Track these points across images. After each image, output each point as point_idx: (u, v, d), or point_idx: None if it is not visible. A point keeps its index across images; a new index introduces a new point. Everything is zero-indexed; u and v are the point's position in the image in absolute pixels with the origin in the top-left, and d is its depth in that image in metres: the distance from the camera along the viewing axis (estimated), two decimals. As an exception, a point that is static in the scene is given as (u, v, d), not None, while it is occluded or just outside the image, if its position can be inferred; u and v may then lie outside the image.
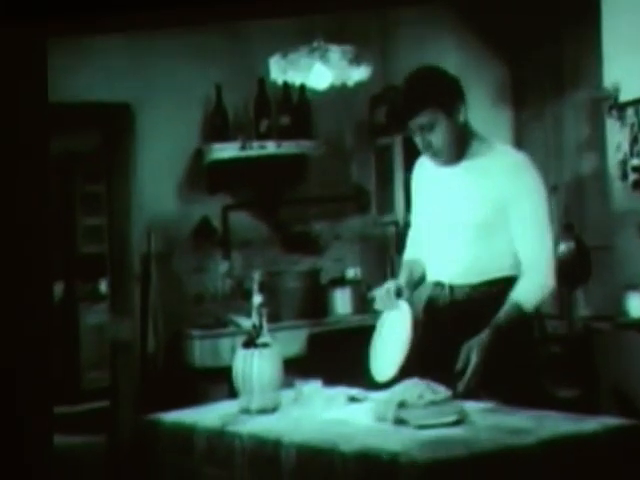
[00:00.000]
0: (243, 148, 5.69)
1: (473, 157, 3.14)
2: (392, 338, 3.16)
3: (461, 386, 2.88)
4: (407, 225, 5.59)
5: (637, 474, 2.61)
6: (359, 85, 4.98)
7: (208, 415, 3.06)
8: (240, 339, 3.22)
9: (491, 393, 2.97)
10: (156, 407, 3.61)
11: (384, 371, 3.12)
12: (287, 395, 3.10)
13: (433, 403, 2.74)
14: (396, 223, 5.97)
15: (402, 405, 2.74)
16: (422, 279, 3.29)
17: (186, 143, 5.72)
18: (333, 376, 3.26)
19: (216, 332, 5.50)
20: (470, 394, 2.89)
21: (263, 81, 5.65)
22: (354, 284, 5.92)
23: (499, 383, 3.02)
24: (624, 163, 4.91)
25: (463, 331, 3.01)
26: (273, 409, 3.03)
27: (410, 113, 3.08)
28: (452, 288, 3.17)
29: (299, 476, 2.63)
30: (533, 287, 3.07)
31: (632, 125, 4.86)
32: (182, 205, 5.72)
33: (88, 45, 5.26)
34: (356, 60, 4.82)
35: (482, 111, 5.33)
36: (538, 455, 2.47)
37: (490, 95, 6.16)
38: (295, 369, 3.42)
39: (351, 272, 5.98)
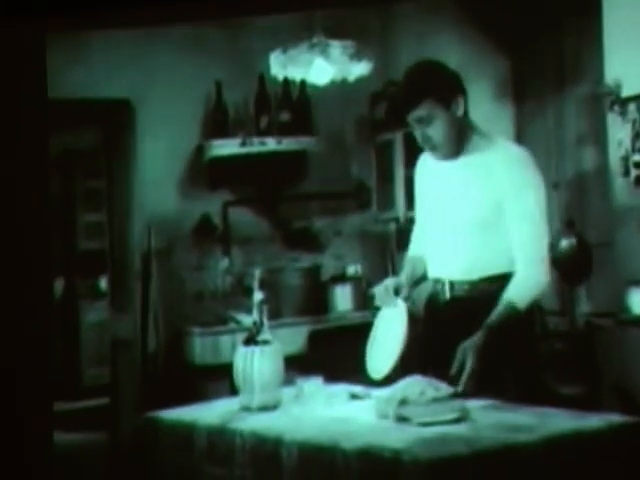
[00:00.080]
0: (243, 144, 5.68)
1: (473, 152, 3.13)
2: (388, 336, 3.16)
3: (459, 389, 2.87)
4: (408, 222, 5.65)
5: (640, 472, 2.60)
6: (359, 81, 4.96)
7: (208, 413, 3.05)
8: (241, 336, 3.22)
9: (493, 390, 2.96)
10: (156, 404, 3.60)
11: (379, 368, 3.13)
12: (288, 393, 3.08)
13: (435, 400, 2.73)
14: (397, 219, 5.96)
15: (404, 402, 2.73)
16: (424, 276, 3.29)
17: (186, 140, 5.71)
18: (334, 373, 3.26)
19: (216, 329, 5.49)
20: (470, 394, 2.88)
21: (263, 77, 5.64)
22: (355, 281, 5.91)
23: (501, 380, 3.02)
24: (626, 159, 4.89)
25: (463, 328, 3.00)
26: (274, 407, 3.02)
27: (408, 106, 3.07)
28: (452, 285, 3.16)
29: (300, 474, 2.62)
30: (526, 285, 3.06)
31: (634, 121, 4.85)
32: (182, 202, 5.71)
33: (88, 41, 5.25)
34: (357, 55, 4.81)
35: (483, 106, 5.32)
36: (541, 453, 2.46)
37: (491, 90, 6.14)
38: (296, 366, 3.41)
39: (352, 269, 5.98)
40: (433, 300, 3.24)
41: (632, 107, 4.86)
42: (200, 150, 5.73)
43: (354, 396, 3.09)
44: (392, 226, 6.07)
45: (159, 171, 5.61)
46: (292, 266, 5.88)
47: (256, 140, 5.71)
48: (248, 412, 2.99)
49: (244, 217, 5.88)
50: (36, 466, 3.51)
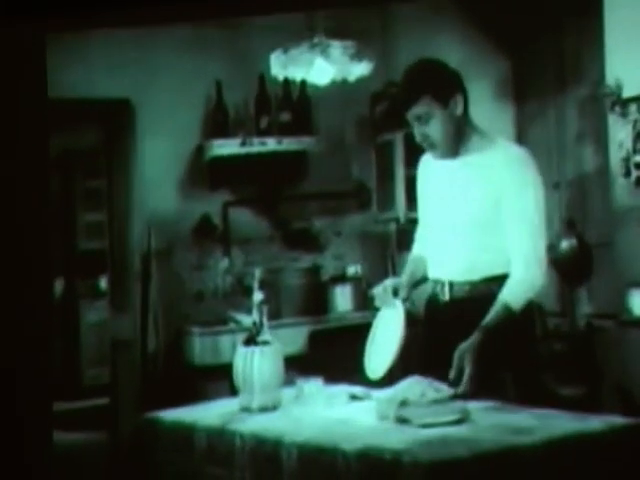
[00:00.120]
0: (243, 144, 5.68)
1: (473, 152, 3.13)
2: (385, 336, 3.16)
3: (460, 391, 2.86)
4: (408, 222, 5.65)
5: (642, 474, 2.59)
6: (360, 81, 4.95)
7: (208, 413, 3.05)
8: (240, 336, 3.22)
9: (493, 392, 2.96)
10: (156, 405, 3.60)
11: (376, 368, 3.13)
12: (288, 393, 3.08)
13: (435, 402, 2.73)
14: (397, 220, 5.96)
15: (404, 404, 2.73)
16: (426, 276, 3.28)
17: (186, 139, 5.71)
18: (334, 373, 3.25)
19: (216, 329, 5.49)
20: (471, 396, 2.88)
21: (263, 77, 5.64)
22: (355, 281, 5.91)
23: (500, 381, 3.01)
24: (627, 160, 4.89)
25: (463, 329, 2.99)
26: (274, 407, 3.02)
27: (406, 103, 3.08)
28: (452, 286, 3.16)
29: (300, 475, 2.62)
30: (522, 286, 3.05)
31: (635, 121, 4.84)
32: (182, 202, 5.71)
33: (88, 41, 5.24)
34: (357, 56, 4.80)
35: (484, 106, 5.30)
36: (542, 455, 2.45)
37: (492, 90, 6.14)
38: (296, 367, 3.41)
39: (352, 269, 5.97)
40: (433, 301, 3.23)
41: (633, 108, 4.85)
42: (200, 150, 5.73)
43: (354, 397, 3.09)
44: (392, 226, 6.07)
45: (159, 171, 5.61)
46: (292, 266, 5.87)
47: (256, 140, 5.71)
48: (248, 413, 2.99)
49: (244, 217, 5.88)
50: (36, 466, 3.51)
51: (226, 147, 5.68)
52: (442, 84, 3.08)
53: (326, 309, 5.81)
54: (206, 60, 5.62)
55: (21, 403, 3.49)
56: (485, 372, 2.93)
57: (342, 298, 5.84)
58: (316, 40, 4.76)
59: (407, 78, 3.13)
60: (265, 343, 3.04)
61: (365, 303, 5.62)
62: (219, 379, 4.81)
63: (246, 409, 3.01)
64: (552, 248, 5.19)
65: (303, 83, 5.53)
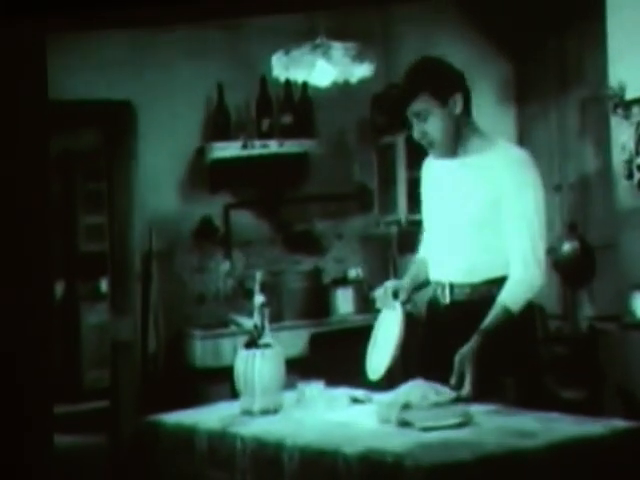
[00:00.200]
0: (245, 147, 5.67)
1: (473, 153, 3.13)
2: (384, 338, 3.17)
3: (462, 394, 2.85)
4: (409, 224, 5.64)
5: (645, 478, 2.58)
6: (361, 83, 4.94)
7: (209, 416, 3.04)
8: (242, 339, 3.21)
9: (494, 395, 2.95)
10: (157, 407, 3.59)
11: (376, 370, 3.14)
12: (289, 396, 3.07)
13: (437, 405, 2.72)
14: (398, 222, 5.95)
15: (406, 407, 2.72)
16: (429, 278, 3.28)
17: (188, 142, 5.71)
18: (335, 376, 3.24)
19: (217, 332, 5.48)
20: (473, 399, 2.87)
21: (265, 80, 5.63)
22: (356, 284, 5.90)
23: (502, 384, 3.00)
24: (629, 162, 4.87)
25: (464, 332, 2.98)
26: (275, 410, 3.01)
27: (406, 100, 3.09)
28: (452, 288, 3.15)
29: (302, 478, 2.61)
30: (521, 287, 3.04)
31: (638, 123, 4.83)
32: (183, 204, 5.70)
33: (88, 43, 5.24)
34: (359, 57, 4.79)
35: (486, 108, 5.29)
36: (545, 458, 2.44)
37: (494, 92, 6.13)
38: (297, 369, 3.40)
39: (353, 272, 5.97)
40: (434, 303, 3.23)
41: (636, 110, 4.84)
42: (201, 152, 5.72)
43: (356, 400, 3.08)
44: (394, 229, 6.06)
45: (160, 173, 5.60)
46: (293, 269, 5.87)
47: (257, 142, 5.71)
48: (249, 416, 2.98)
49: (245, 220, 5.87)
50: (37, 468, 3.50)
51: (227, 149, 5.68)
52: (442, 82, 3.09)
53: (327, 312, 5.81)
54: (207, 62, 5.61)
55: (22, 405, 3.48)
56: (486, 375, 2.93)
57: (343, 301, 5.83)
58: (318, 41, 4.75)
59: (408, 74, 3.15)
60: (266, 346, 3.04)
61: (366, 306, 5.61)
62: (220, 382, 4.81)
63: (247, 412, 3.00)
64: (554, 250, 5.19)
65: (304, 85, 5.52)
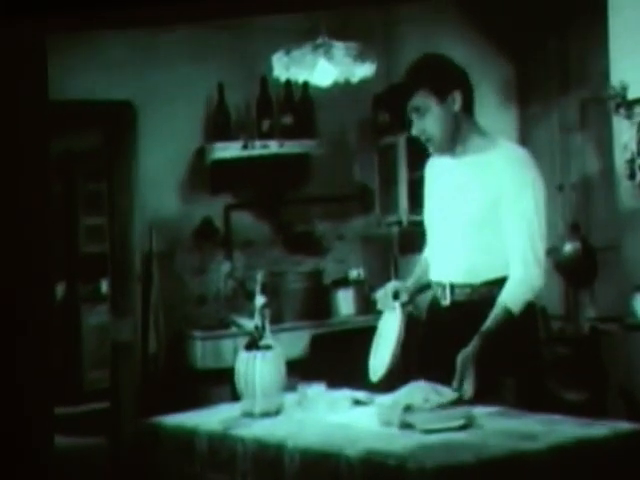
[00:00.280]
0: (245, 147, 5.67)
1: (474, 152, 3.13)
2: (385, 339, 3.17)
3: (464, 397, 2.84)
4: (410, 225, 5.63)
5: (648, 480, 2.57)
6: (362, 83, 4.93)
7: (210, 418, 3.03)
8: (242, 340, 3.19)
9: (496, 396, 2.94)
10: (157, 409, 3.58)
11: (376, 371, 3.15)
12: (290, 398, 3.06)
13: (440, 407, 2.71)
14: (399, 223, 5.94)
15: (408, 409, 2.70)
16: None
17: (188, 142, 5.70)
18: (336, 378, 3.23)
19: (218, 333, 5.47)
20: (475, 401, 2.86)
21: (265, 80, 5.63)
22: (357, 285, 5.89)
23: (503, 386, 2.99)
24: (632, 162, 4.87)
25: (465, 333, 2.97)
26: (276, 412, 3.00)
27: (404, 95, 3.11)
28: (452, 288, 3.14)
29: (303, 481, 2.60)
30: (521, 287, 3.03)
31: (640, 123, 4.83)
32: (184, 205, 5.69)
33: (89, 43, 5.23)
34: (360, 57, 4.78)
35: (487, 109, 5.27)
36: (547, 461, 2.43)
37: (495, 93, 6.12)
38: (298, 371, 3.39)
39: (354, 273, 5.96)
40: (434, 304, 3.22)
41: (638, 110, 4.82)
42: (202, 153, 5.71)
43: (357, 402, 3.07)
44: (395, 229, 6.05)
45: (160, 174, 5.59)
46: (294, 270, 5.85)
47: (258, 143, 5.70)
48: (250, 418, 2.97)
49: (246, 220, 5.86)
50: (37, 470, 3.49)
51: (228, 150, 5.67)
52: (441, 78, 3.09)
53: (328, 313, 5.80)
54: (207, 62, 5.61)
55: (22, 406, 3.47)
56: (488, 377, 2.92)
57: (344, 302, 5.82)
58: (319, 41, 4.74)
59: (410, 70, 3.16)
60: (267, 347, 3.02)
61: (367, 307, 5.60)
62: (221, 383, 4.80)
63: (248, 414, 2.99)
64: (556, 251, 5.18)
65: (305, 85, 5.51)
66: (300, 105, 5.81)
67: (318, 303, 5.78)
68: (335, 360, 5.13)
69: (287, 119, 5.80)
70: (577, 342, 5.28)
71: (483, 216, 3.06)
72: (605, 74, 5.02)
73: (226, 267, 5.74)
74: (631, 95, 4.85)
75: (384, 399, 2.91)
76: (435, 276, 3.21)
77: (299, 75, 4.86)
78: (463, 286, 3.11)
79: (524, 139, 6.06)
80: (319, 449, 2.58)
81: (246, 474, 2.76)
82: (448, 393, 2.80)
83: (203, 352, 5.42)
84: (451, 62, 3.16)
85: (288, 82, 5.40)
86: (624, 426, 2.67)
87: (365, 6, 5.33)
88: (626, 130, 4.88)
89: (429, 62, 3.18)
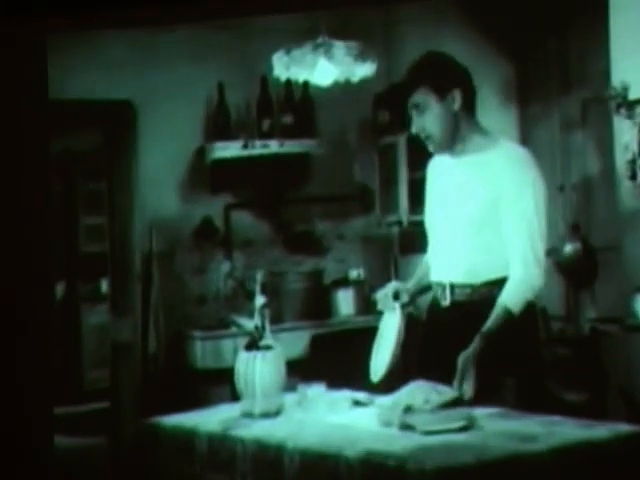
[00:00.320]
0: (245, 147, 5.66)
1: (474, 151, 3.13)
2: (385, 340, 3.17)
3: (464, 398, 2.84)
4: (411, 225, 5.62)
5: (649, 481, 2.57)
6: (363, 82, 4.93)
7: (209, 419, 3.02)
8: (242, 340, 3.19)
9: (497, 397, 2.93)
10: (157, 409, 3.58)
11: (376, 371, 3.15)
12: (290, 398, 3.06)
13: (440, 407, 2.70)
14: (400, 223, 5.93)
15: (408, 410, 2.70)
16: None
17: (188, 142, 5.70)
18: (336, 378, 3.23)
19: (218, 333, 5.47)
20: (475, 403, 2.85)
21: (266, 80, 5.62)
22: (357, 285, 5.89)
23: (504, 386, 2.99)
24: (633, 163, 4.86)
25: (465, 334, 2.97)
26: (276, 413, 2.99)
27: (405, 92, 3.12)
28: (453, 288, 3.13)
29: (303, 482, 2.60)
30: (521, 287, 3.03)
31: (641, 124, 4.82)
32: (184, 204, 5.69)
33: (89, 43, 5.23)
34: (361, 56, 4.77)
35: (488, 110, 5.27)
36: (547, 462, 2.43)
37: (496, 93, 6.12)
38: (298, 371, 3.39)
39: (354, 273, 5.96)
40: (435, 304, 3.21)
41: (639, 110, 4.82)
42: (202, 152, 5.71)
43: (357, 402, 3.06)
44: (395, 229, 6.04)
45: (160, 173, 5.59)
46: (294, 270, 5.85)
47: (258, 142, 5.69)
48: (250, 418, 2.97)
49: (246, 220, 5.86)
50: (37, 470, 3.49)
51: (228, 149, 5.67)
52: (442, 76, 3.10)
53: (328, 313, 5.79)
54: (208, 61, 5.60)
55: (22, 406, 3.47)
56: (489, 377, 2.91)
57: (344, 302, 5.82)
58: (320, 40, 4.73)
59: (411, 67, 3.17)
60: (267, 347, 3.02)
61: (368, 307, 5.59)
62: (221, 384, 4.80)
63: (248, 414, 2.99)
64: (556, 251, 5.18)
65: (305, 84, 5.50)
66: (300, 105, 5.81)
67: (318, 303, 5.77)
68: (335, 360, 5.13)
69: (287, 119, 5.79)
70: (577, 343, 5.28)
71: (483, 216, 3.06)
72: (606, 74, 5.02)
73: (226, 267, 5.74)
74: (632, 95, 4.84)
75: (384, 400, 2.90)
76: (435, 276, 3.20)
77: (299, 75, 4.85)
78: (463, 286, 3.11)
79: (524, 139, 6.06)
80: (319, 450, 2.58)
81: (246, 474, 2.75)
82: (448, 392, 2.79)
83: (203, 352, 5.42)
84: (453, 61, 3.16)
85: (288, 82, 5.40)
86: (624, 428, 2.66)
87: (365, 6, 5.32)
88: (627, 130, 4.88)
89: (431, 60, 3.18)
